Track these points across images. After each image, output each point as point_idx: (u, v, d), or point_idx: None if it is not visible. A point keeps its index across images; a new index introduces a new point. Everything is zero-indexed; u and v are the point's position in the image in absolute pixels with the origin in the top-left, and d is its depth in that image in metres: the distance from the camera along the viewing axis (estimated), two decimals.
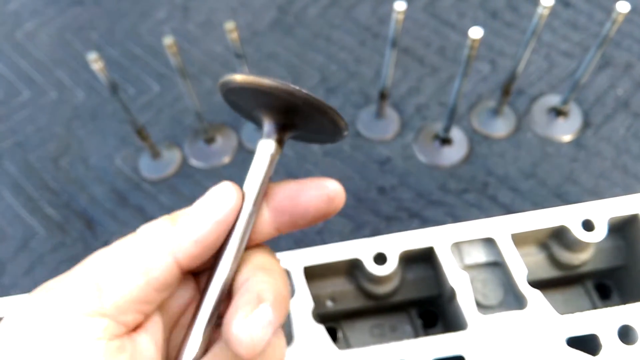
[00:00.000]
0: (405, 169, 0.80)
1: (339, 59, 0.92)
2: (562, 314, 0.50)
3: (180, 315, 0.33)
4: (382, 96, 0.80)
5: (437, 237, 0.53)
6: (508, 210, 0.76)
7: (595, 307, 0.60)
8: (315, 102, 0.30)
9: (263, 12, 0.99)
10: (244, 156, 0.82)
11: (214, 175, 0.81)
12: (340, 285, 0.57)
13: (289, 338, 0.49)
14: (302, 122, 0.33)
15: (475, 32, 0.63)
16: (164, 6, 1.00)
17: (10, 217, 0.79)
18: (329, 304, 0.57)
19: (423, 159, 0.81)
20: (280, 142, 0.33)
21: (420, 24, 0.95)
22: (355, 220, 0.76)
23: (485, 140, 0.82)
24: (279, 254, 0.53)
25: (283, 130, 0.33)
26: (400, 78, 0.89)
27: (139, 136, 0.77)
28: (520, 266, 0.51)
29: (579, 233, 0.52)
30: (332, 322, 0.61)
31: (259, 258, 0.32)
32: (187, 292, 0.33)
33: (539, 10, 0.66)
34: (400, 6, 0.66)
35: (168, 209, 0.77)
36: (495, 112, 0.84)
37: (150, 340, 0.30)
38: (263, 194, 0.33)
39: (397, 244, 0.53)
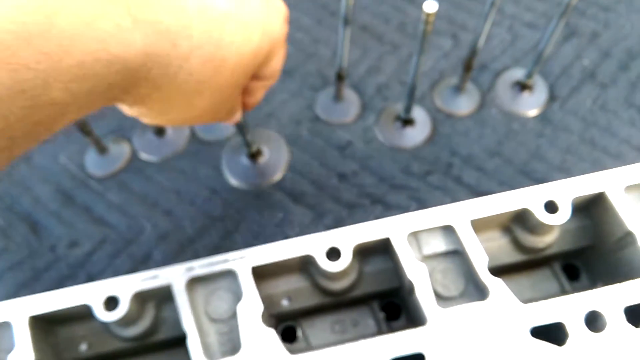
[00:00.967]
0: (367, 153, 0.77)
1: (296, 39, 0.88)
2: (529, 299, 0.47)
3: None
4: (339, 77, 0.76)
5: (393, 228, 0.50)
6: (473, 191, 0.73)
7: (563, 290, 0.57)
8: None
9: None
10: (197, 146, 0.78)
11: (166, 168, 0.76)
12: (295, 282, 0.54)
13: (237, 346, 0.46)
14: None
15: (430, 6, 0.59)
16: None
17: None
18: (285, 302, 0.54)
19: (385, 141, 0.77)
20: None
21: (379, 0, 0.91)
22: (316, 209, 0.72)
23: (449, 119, 0.79)
24: (223, 255, 0.49)
25: None
26: (359, 57, 0.85)
27: (81, 131, 0.72)
28: (481, 254, 0.48)
29: (542, 215, 0.49)
30: (291, 320, 0.58)
31: None
32: None
33: None
34: None
35: (117, 207, 0.73)
36: (458, 89, 0.81)
37: None
38: None
39: (350, 237, 0.50)
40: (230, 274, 0.50)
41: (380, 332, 0.57)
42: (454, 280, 0.49)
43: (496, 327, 0.45)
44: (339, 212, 0.72)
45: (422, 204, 0.72)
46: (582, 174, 0.54)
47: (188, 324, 0.46)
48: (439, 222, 0.50)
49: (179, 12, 0.31)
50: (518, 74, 0.82)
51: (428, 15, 0.60)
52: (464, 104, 0.80)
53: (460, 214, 0.50)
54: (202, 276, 0.49)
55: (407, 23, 0.89)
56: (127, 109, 0.36)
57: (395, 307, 0.58)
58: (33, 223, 0.74)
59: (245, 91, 0.42)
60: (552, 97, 0.80)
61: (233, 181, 0.75)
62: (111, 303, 0.47)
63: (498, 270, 0.50)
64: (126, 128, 0.80)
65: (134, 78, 0.30)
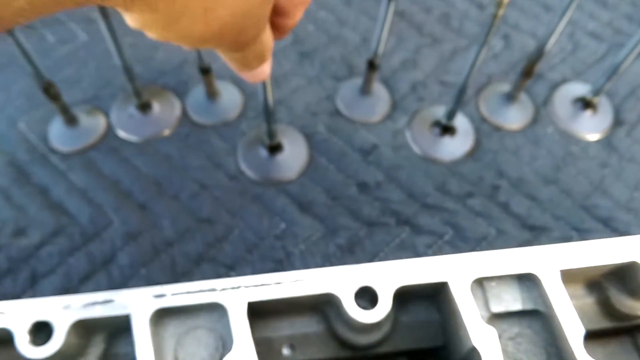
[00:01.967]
0: (395, 161, 0.63)
1: (318, 18, 0.74)
2: None
3: None
4: (371, 66, 0.62)
5: (452, 269, 0.36)
6: (523, 223, 0.59)
7: None
8: None
9: None
10: (189, 129, 0.63)
11: (148, 151, 0.62)
12: (302, 326, 0.39)
13: None
14: None
15: None
16: None
17: None
18: (286, 352, 0.39)
19: (418, 150, 0.64)
20: None
21: None
22: (327, 223, 0.58)
23: (496, 131, 0.65)
24: (210, 282, 0.35)
25: None
26: (392, 47, 0.71)
27: (46, 94, 0.57)
28: (573, 319, 0.34)
29: None
30: None
31: None
32: None
33: None
34: None
35: (80, 192, 0.58)
36: (510, 97, 0.67)
37: None
38: None
39: (390, 275, 0.36)
40: (216, 309, 0.35)
41: None
42: (530, 351, 0.35)
43: None
44: (355, 230, 0.58)
45: (459, 232, 0.58)
46: None
47: None
48: (516, 269, 0.36)
49: None
50: (580, 89, 0.69)
51: None
52: (515, 117, 0.66)
53: (547, 260, 0.36)
54: (176, 308, 0.35)
55: (452, 15, 0.75)
56: (128, 18, 0.22)
57: None
58: None
59: (279, 11, 0.29)
60: (618, 121, 0.67)
61: (248, 172, 0.60)
62: (41, 333, 0.32)
63: None
64: (104, 97, 0.66)
65: None
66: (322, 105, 0.66)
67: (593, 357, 0.37)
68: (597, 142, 0.65)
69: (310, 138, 0.64)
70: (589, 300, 0.40)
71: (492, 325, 0.35)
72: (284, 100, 0.66)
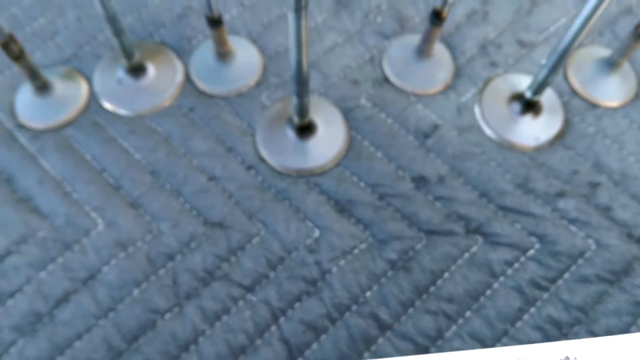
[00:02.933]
0: (462, 147, 0.48)
1: None
2: None
3: None
4: (437, 18, 0.46)
5: None
6: (629, 232, 0.45)
7: None
8: None
9: None
10: (194, 100, 0.49)
11: (141, 129, 0.48)
12: None
13: None
14: None
15: None
16: None
17: None
18: None
19: (490, 132, 0.49)
20: None
21: None
22: (374, 230, 0.44)
23: (591, 109, 0.50)
24: None
25: None
26: None
27: (5, 52, 0.43)
28: None
29: None
30: None
31: None
32: None
33: None
34: None
35: (54, 184, 0.45)
36: (610, 64, 0.52)
37: None
38: None
39: None
40: None
41: None
42: None
43: None
44: (411, 241, 0.44)
45: (547, 245, 0.44)
46: None
47: None
48: None
49: None
50: None
51: None
52: (616, 90, 0.51)
53: None
54: None
55: None
56: None
57: None
58: None
59: None
60: None
61: (270, 160, 0.46)
62: None
63: None
64: (85, 57, 0.51)
65: None
66: (365, 71, 0.51)
67: None
68: None
69: (349, 114, 0.49)
70: None
71: None
72: (316, 64, 0.51)
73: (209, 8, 0.43)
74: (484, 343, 0.41)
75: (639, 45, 0.48)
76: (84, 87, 0.49)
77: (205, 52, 0.50)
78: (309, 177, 0.46)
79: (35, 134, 0.47)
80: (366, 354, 0.41)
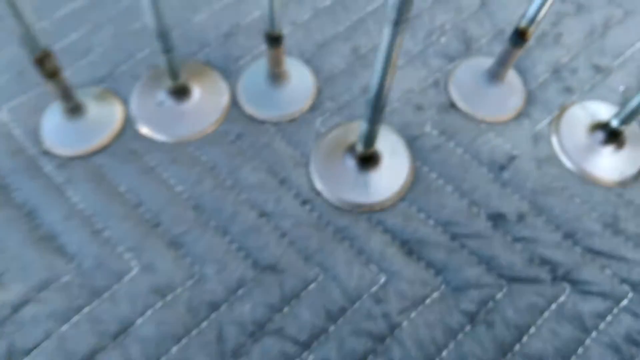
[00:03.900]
0: (542, 180, 0.43)
1: None
2: None
3: None
4: (521, 37, 0.41)
5: None
6: None
7: None
8: None
9: None
10: (241, 127, 0.44)
11: (183, 158, 0.42)
12: None
13: None
14: None
15: None
16: None
17: None
18: None
19: (570, 164, 0.44)
20: None
21: None
22: (447, 276, 0.39)
23: None
24: None
25: None
26: (519, 14, 0.51)
27: (39, 69, 0.38)
28: None
29: None
30: None
31: None
32: None
33: None
34: None
35: (83, 220, 0.39)
36: None
37: None
38: None
39: None
40: None
41: None
42: None
43: None
44: (490, 288, 0.39)
45: None
46: None
47: None
48: None
49: None
50: None
51: None
52: None
53: None
54: None
55: None
56: None
57: None
58: None
59: None
60: None
61: (327, 193, 0.41)
62: None
63: None
64: (122, 77, 0.46)
65: None
66: (429, 95, 0.46)
67: None
68: None
69: (413, 143, 0.44)
70: None
71: None
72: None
73: (272, 24, 0.38)
74: None
75: None
76: (119, 109, 0.44)
77: (254, 73, 0.45)
78: (371, 213, 0.41)
79: (63, 162, 0.42)
80: None
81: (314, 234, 0.40)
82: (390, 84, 0.32)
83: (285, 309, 0.37)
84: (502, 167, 0.43)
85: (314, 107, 0.45)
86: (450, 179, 0.42)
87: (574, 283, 0.39)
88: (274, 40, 0.39)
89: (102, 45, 0.47)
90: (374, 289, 0.38)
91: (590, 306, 0.38)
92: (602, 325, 0.38)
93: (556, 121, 0.46)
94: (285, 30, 0.48)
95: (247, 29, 0.48)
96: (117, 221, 0.40)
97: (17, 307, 0.37)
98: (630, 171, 0.44)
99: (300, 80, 0.45)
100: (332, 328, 0.37)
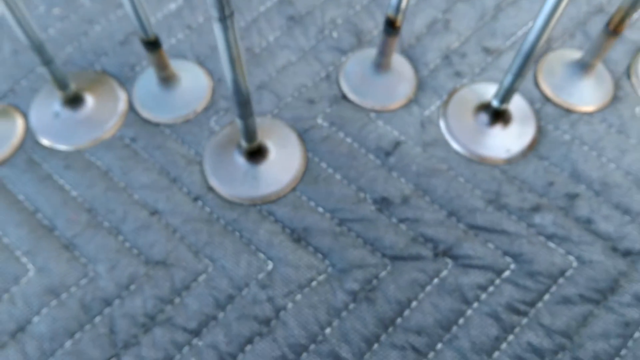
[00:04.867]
0: (427, 163, 0.44)
1: None
2: None
3: None
4: (391, 27, 0.43)
5: None
6: (614, 246, 0.41)
7: None
8: None
9: None
10: (137, 130, 0.45)
11: (79, 164, 0.44)
12: None
13: None
14: None
15: None
16: None
17: None
18: None
19: (458, 146, 0.45)
20: None
21: None
22: (333, 259, 0.40)
23: (566, 115, 0.47)
24: None
25: None
26: (414, 3, 0.53)
27: None
28: None
29: None
30: None
31: None
32: None
33: None
34: None
35: None
36: (583, 67, 0.48)
37: None
38: None
39: None
40: None
41: None
42: None
43: None
44: (374, 268, 0.40)
45: (524, 265, 0.40)
46: None
47: None
48: None
49: None
50: None
51: None
52: (590, 94, 0.48)
53: None
54: None
55: None
56: None
57: None
58: None
59: None
60: None
61: (219, 189, 0.43)
62: None
63: None
64: (22, 91, 0.48)
65: None
66: (321, 89, 0.48)
67: None
68: None
69: (305, 135, 0.45)
70: None
71: None
72: (268, 84, 0.48)
73: (143, 30, 0.40)
74: None
75: (612, 42, 0.45)
76: (19, 123, 0.46)
77: (148, 78, 0.47)
78: (261, 205, 0.42)
79: None
80: None
81: (204, 228, 0.41)
82: (244, 77, 0.33)
83: (176, 300, 0.39)
84: (388, 153, 0.45)
85: (208, 107, 0.47)
86: (338, 168, 0.44)
87: (456, 258, 0.41)
88: (150, 45, 0.41)
89: (2, 63, 0.49)
90: (261, 275, 0.40)
91: (471, 279, 0.40)
92: (483, 296, 0.40)
93: (444, 106, 0.47)
94: (179, 34, 0.50)
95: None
96: (14, 228, 0.41)
97: None
98: (516, 148, 0.45)
99: (194, 82, 0.47)
100: (220, 315, 0.39)
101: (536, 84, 0.48)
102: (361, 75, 0.48)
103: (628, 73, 0.49)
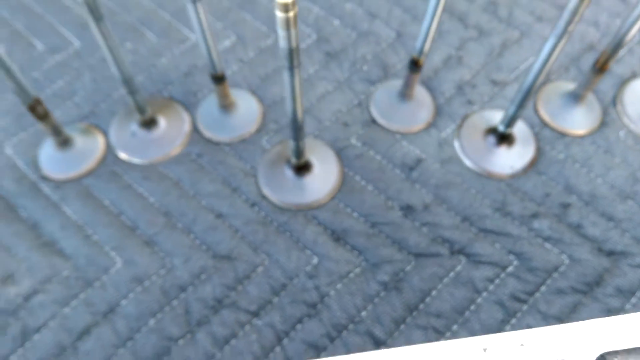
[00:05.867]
0: (444, 177, 0.53)
1: (344, 11, 0.64)
2: None
3: None
4: (415, 66, 0.52)
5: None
6: (599, 247, 0.49)
7: None
8: None
9: None
10: (201, 148, 0.54)
11: (154, 176, 0.53)
12: None
13: None
14: None
15: None
16: None
17: None
18: None
19: (470, 163, 0.54)
20: None
21: None
22: (367, 255, 0.49)
23: (561, 138, 0.55)
24: None
25: None
26: (433, 44, 0.62)
27: (32, 114, 0.48)
28: None
29: None
30: None
31: None
32: None
33: None
34: None
35: (76, 228, 0.50)
36: (575, 97, 0.57)
37: None
38: None
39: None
40: None
41: None
42: None
43: None
44: (401, 264, 0.49)
45: (525, 261, 0.49)
46: None
47: None
48: None
49: None
50: None
51: None
52: (582, 120, 0.57)
53: None
54: None
55: (499, 2, 0.65)
56: None
57: None
58: None
59: None
60: None
61: (271, 197, 0.51)
62: None
63: None
64: (102, 114, 0.57)
65: None
66: (354, 114, 0.57)
67: None
68: None
69: (341, 153, 0.54)
70: None
71: None
72: (310, 110, 0.57)
73: (213, 68, 0.49)
74: None
75: (600, 78, 0.54)
76: (101, 140, 0.55)
77: (209, 104, 0.56)
78: (307, 210, 0.51)
79: (58, 184, 0.53)
80: None
81: (260, 229, 0.50)
82: (301, 110, 0.42)
83: (239, 288, 0.48)
84: (412, 168, 0.53)
85: (259, 129, 0.55)
86: (370, 180, 0.53)
87: (469, 256, 0.49)
88: (217, 79, 0.50)
89: (84, 89, 0.58)
90: (308, 268, 0.48)
91: (481, 273, 0.48)
92: (491, 287, 0.48)
93: (458, 129, 0.56)
94: (234, 67, 0.59)
95: (202, 69, 0.59)
96: (102, 227, 0.50)
97: (27, 297, 0.47)
98: (519, 165, 0.54)
99: (247, 107, 0.56)
100: (275, 300, 0.47)
101: (536, 111, 0.57)
102: (388, 102, 0.57)
103: (614, 102, 0.58)
